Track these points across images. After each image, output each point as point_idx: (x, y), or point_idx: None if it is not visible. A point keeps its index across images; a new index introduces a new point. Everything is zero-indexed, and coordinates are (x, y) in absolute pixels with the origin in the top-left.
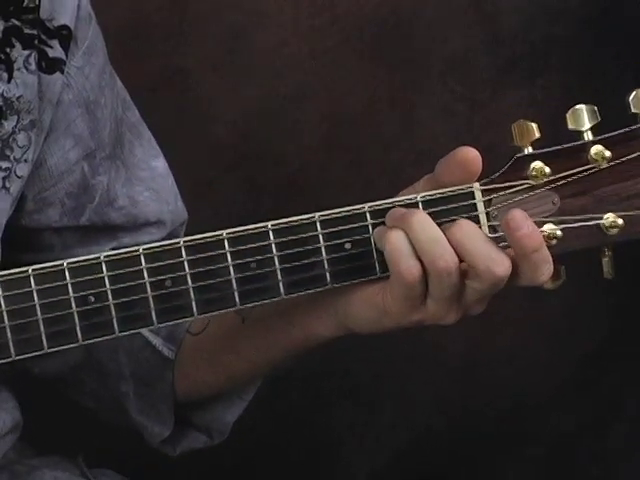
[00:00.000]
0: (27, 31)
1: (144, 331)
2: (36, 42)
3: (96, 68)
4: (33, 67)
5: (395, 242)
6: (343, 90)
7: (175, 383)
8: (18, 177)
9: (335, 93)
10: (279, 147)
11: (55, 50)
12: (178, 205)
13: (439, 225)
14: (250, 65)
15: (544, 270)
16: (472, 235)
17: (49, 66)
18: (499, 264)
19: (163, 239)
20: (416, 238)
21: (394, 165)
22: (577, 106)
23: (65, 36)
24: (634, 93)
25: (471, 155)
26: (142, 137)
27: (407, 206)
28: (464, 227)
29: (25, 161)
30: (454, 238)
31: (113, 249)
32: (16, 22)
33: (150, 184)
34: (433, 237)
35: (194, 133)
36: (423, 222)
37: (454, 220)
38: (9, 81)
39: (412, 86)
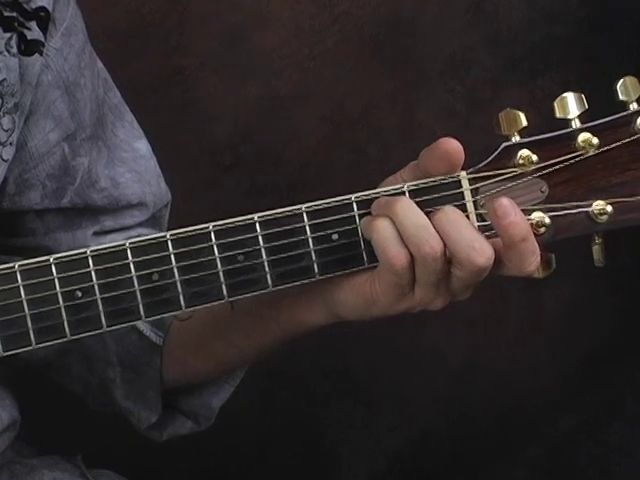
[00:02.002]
0: (7, 14)
1: None
2: (16, 24)
3: (75, 49)
4: (15, 50)
5: (382, 230)
6: (343, 90)
7: (163, 369)
8: (4, 160)
9: (335, 93)
10: (279, 147)
11: (33, 32)
12: (161, 186)
13: (426, 213)
14: (250, 65)
15: (531, 260)
16: (455, 222)
17: (27, 48)
18: (480, 254)
19: (146, 221)
20: (401, 224)
21: (394, 165)
22: (564, 94)
23: (43, 17)
24: (621, 81)
25: (453, 146)
26: (124, 118)
27: (394, 195)
28: (449, 214)
29: (10, 144)
30: (438, 224)
31: (95, 233)
32: None
33: (132, 165)
34: (418, 222)
35: (194, 133)
36: (408, 208)
37: (432, 211)
38: None
39: (412, 86)
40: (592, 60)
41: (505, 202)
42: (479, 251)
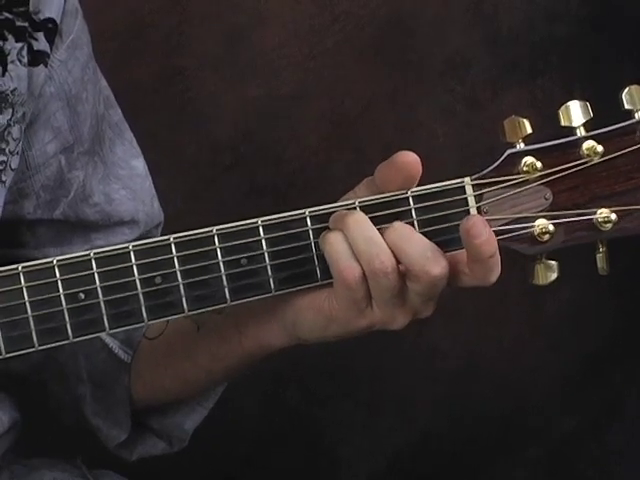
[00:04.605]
0: (19, 24)
1: (102, 334)
2: (26, 35)
3: (80, 62)
4: (25, 60)
5: (334, 243)
6: (343, 90)
7: (131, 387)
8: (12, 170)
9: (335, 93)
10: (279, 147)
11: (40, 43)
12: (154, 206)
13: (427, 221)
14: (250, 65)
15: (496, 272)
16: (406, 236)
17: (33, 58)
18: (435, 264)
19: (136, 239)
20: (352, 238)
21: None
22: (569, 102)
23: (51, 29)
24: (627, 89)
25: (410, 159)
26: (123, 136)
27: (397, 202)
28: (398, 229)
29: (17, 153)
30: (389, 240)
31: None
32: (8, 15)
33: (127, 183)
34: (369, 237)
35: (194, 133)
36: (360, 222)
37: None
38: (3, 74)
39: (412, 86)
40: (592, 60)
41: (477, 221)
42: (433, 260)
